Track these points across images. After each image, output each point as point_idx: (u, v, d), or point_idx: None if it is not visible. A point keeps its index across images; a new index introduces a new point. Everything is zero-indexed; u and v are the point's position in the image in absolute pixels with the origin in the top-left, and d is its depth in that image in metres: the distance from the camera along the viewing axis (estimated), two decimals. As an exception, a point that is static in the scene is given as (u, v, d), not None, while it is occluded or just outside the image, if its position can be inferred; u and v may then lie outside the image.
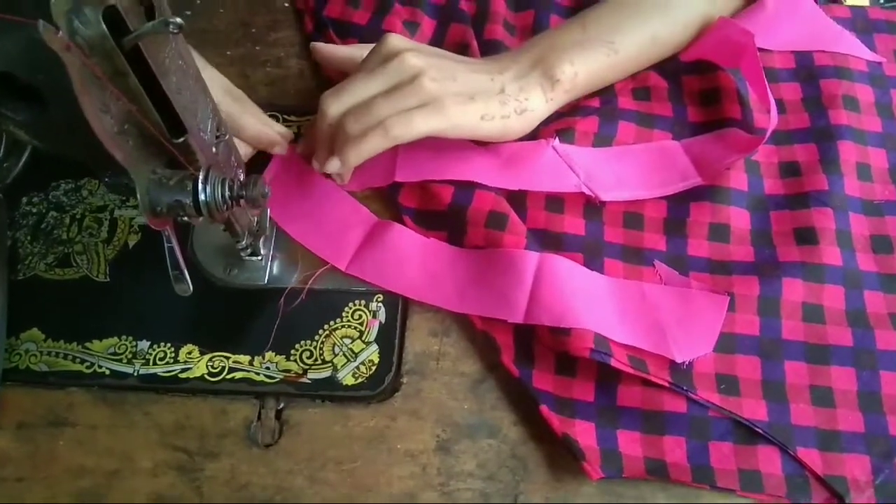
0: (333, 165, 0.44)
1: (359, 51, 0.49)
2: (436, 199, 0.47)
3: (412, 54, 0.44)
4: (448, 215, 0.47)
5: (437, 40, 0.55)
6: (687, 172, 0.49)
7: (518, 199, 0.48)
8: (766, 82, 0.48)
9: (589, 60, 0.48)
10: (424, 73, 0.43)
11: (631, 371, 0.41)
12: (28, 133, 0.30)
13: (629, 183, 0.49)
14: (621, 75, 0.52)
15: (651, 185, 0.49)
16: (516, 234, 0.45)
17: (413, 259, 0.46)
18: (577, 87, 0.48)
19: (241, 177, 0.36)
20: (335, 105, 0.44)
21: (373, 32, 0.54)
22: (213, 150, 0.36)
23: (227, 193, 0.34)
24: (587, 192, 0.47)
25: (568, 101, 0.49)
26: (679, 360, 0.42)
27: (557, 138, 0.49)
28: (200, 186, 0.33)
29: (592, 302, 0.43)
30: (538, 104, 0.46)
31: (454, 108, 0.43)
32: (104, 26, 0.27)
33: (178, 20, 0.28)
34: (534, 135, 0.50)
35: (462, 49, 0.53)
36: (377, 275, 0.46)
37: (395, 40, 0.45)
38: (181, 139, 0.33)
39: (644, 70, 0.53)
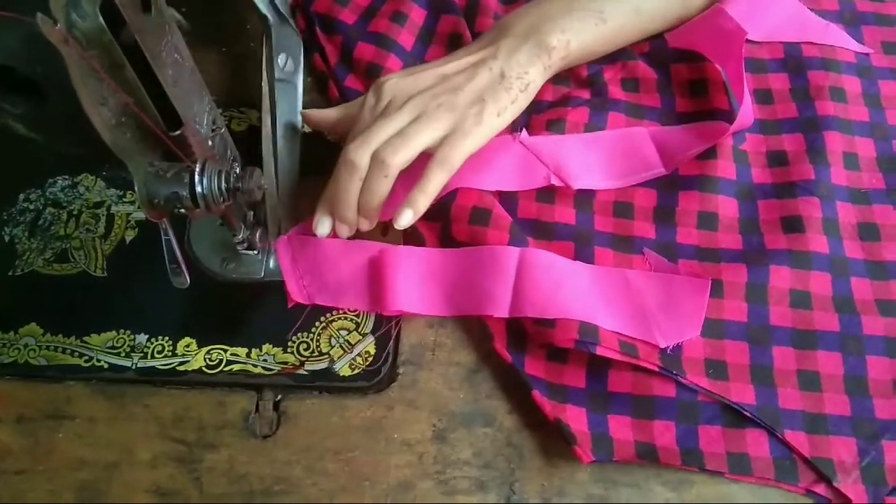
0: (407, 218, 0.42)
1: (350, 109, 0.48)
2: None
3: (416, 98, 0.44)
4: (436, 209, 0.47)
5: (428, 31, 0.55)
6: (651, 161, 0.50)
7: (508, 191, 0.49)
8: (746, 79, 0.49)
9: (580, 29, 0.48)
10: (436, 106, 0.43)
11: (619, 357, 0.42)
12: (27, 126, 0.31)
13: (595, 171, 0.49)
14: (610, 47, 0.52)
15: (614, 175, 0.49)
16: (500, 230, 0.45)
17: (396, 277, 0.45)
18: (571, 55, 0.49)
19: (237, 170, 0.37)
20: (364, 154, 0.42)
21: (358, 33, 0.54)
22: (210, 143, 0.37)
23: (223, 185, 0.35)
24: (557, 182, 0.48)
25: (562, 68, 0.50)
26: (663, 346, 0.43)
27: (524, 131, 0.49)
28: (197, 178, 0.34)
29: (576, 291, 0.44)
30: (537, 75, 0.47)
31: (475, 126, 0.43)
32: (101, 19, 0.27)
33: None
34: (527, 123, 0.51)
35: (454, 40, 0.54)
36: (371, 306, 0.46)
37: (389, 86, 0.45)
38: (177, 132, 0.33)
39: (634, 60, 0.53)
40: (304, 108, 0.52)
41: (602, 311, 0.43)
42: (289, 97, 0.51)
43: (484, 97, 0.45)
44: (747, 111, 0.49)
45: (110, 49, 0.28)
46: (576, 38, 0.48)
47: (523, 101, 0.47)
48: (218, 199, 0.35)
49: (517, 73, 0.46)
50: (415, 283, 0.46)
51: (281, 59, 0.51)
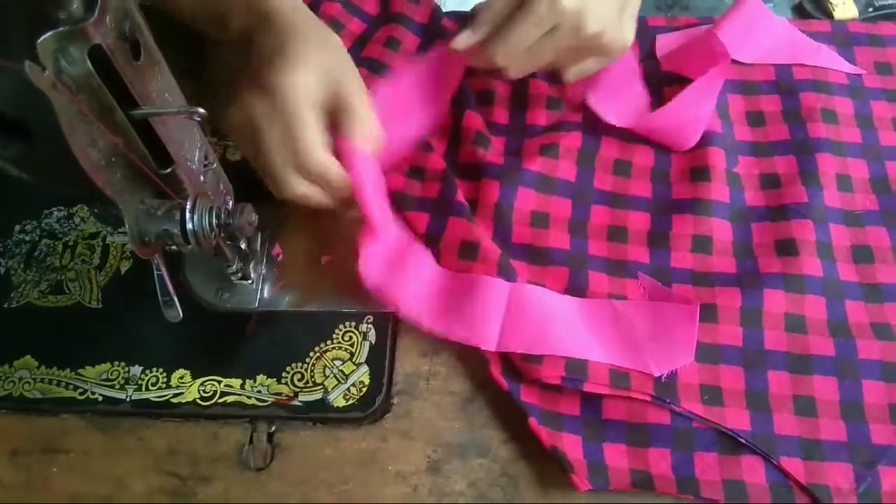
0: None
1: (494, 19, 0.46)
2: (412, 226, 0.48)
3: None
4: (425, 242, 0.48)
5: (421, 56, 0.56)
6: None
7: (503, 214, 0.48)
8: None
9: None
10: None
11: (609, 391, 0.42)
12: (17, 167, 0.31)
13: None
14: None
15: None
16: (488, 263, 0.45)
17: (411, 278, 0.46)
18: None
19: (230, 204, 0.37)
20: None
21: (353, 58, 0.55)
22: (201, 178, 0.37)
23: (214, 221, 0.35)
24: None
25: None
26: (657, 374, 0.42)
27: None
28: (188, 215, 0.34)
29: (566, 327, 0.44)
30: None
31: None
32: (90, 65, 0.28)
33: (203, 111, 0.31)
34: (519, 148, 0.51)
35: None
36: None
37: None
38: (168, 170, 0.33)
39: None
40: None
41: (594, 344, 0.43)
42: None
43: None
44: (697, 128, 0.50)
45: (99, 93, 0.29)
46: None
47: None
48: (209, 236, 0.35)
49: None
50: (417, 288, 0.46)
51: None
